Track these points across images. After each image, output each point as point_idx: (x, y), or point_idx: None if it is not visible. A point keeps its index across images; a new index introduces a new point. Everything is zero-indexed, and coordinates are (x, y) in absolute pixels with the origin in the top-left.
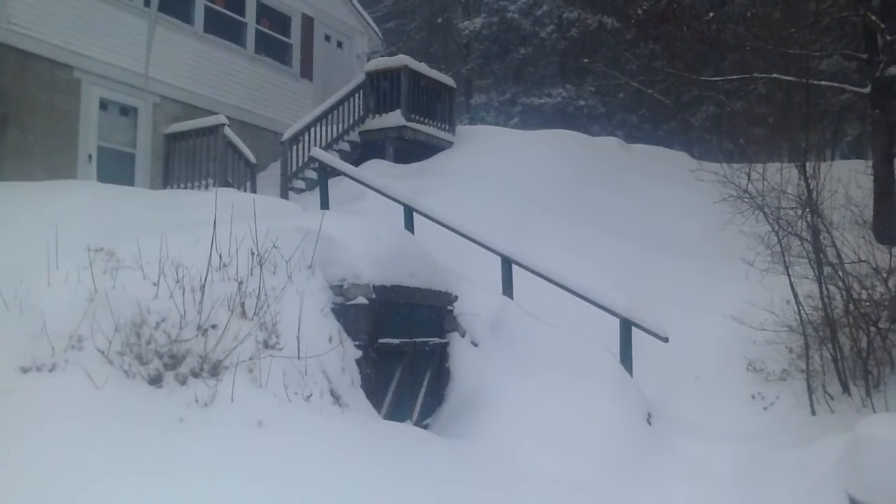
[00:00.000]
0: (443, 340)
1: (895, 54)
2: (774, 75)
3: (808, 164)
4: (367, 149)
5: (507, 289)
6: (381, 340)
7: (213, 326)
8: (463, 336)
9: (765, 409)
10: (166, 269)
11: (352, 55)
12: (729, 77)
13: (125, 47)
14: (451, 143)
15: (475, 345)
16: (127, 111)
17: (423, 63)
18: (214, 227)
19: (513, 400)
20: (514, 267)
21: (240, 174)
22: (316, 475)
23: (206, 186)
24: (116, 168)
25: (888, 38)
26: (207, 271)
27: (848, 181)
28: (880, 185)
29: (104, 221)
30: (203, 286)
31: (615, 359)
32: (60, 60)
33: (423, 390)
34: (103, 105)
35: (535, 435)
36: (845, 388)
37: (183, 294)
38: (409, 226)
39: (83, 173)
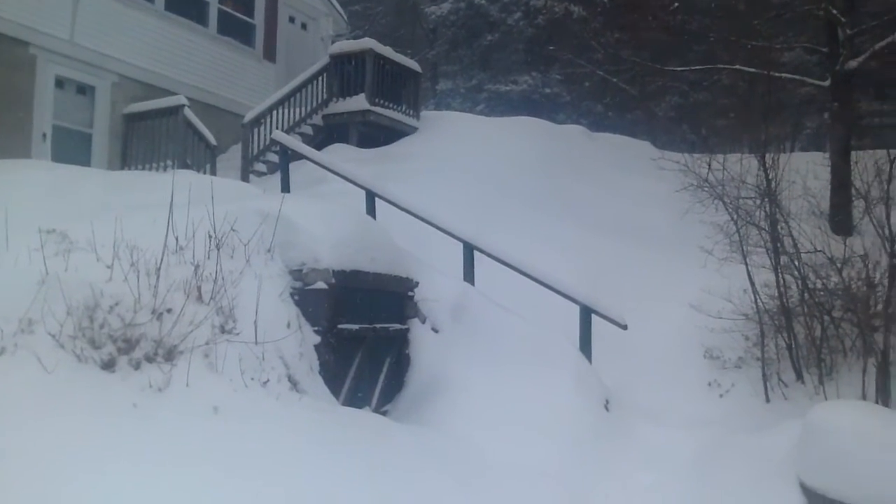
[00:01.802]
0: (403, 326)
1: (855, 48)
2: (738, 67)
3: (767, 155)
4: (330, 133)
5: (469, 275)
6: (340, 326)
7: (169, 310)
8: (424, 322)
9: (721, 396)
10: (121, 251)
11: (316, 37)
12: (693, 67)
13: (83, 24)
14: (415, 129)
15: (436, 331)
16: (84, 90)
17: (388, 47)
18: (171, 209)
19: (472, 386)
20: (477, 254)
21: (200, 156)
22: (272, 461)
23: (165, 168)
24: (72, 148)
25: (849, 32)
26: (163, 254)
27: (806, 172)
28: (837, 176)
29: (58, 202)
30: (159, 269)
31: (575, 346)
32: (15, 36)
33: (382, 377)
34: (59, 83)
35: (495, 422)
36: (799, 376)
37: (138, 277)
38: (371, 211)
39: (37, 153)
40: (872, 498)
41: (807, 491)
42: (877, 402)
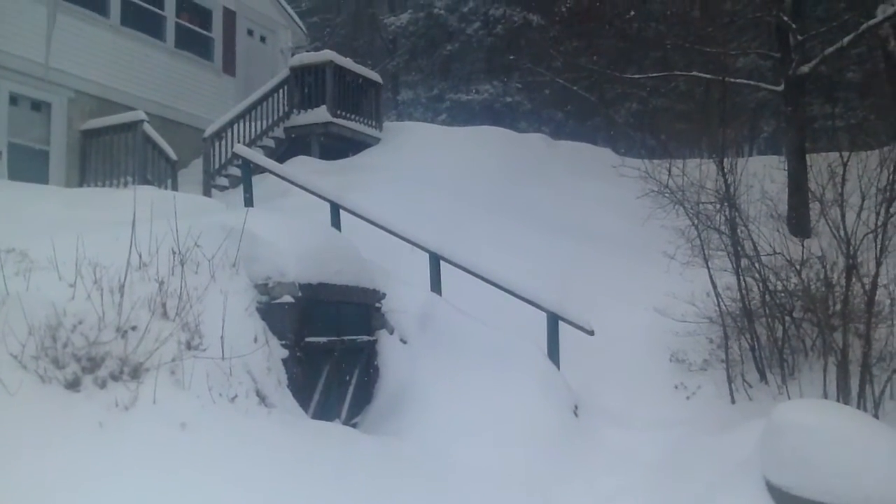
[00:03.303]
0: (371, 338)
1: (807, 54)
2: (694, 73)
3: (725, 159)
4: (292, 145)
5: (436, 285)
6: (307, 339)
7: (134, 328)
8: (391, 333)
9: (687, 398)
10: (83, 269)
11: (275, 50)
12: (651, 74)
13: (37, 40)
14: (378, 140)
15: (404, 342)
16: (39, 106)
17: (348, 58)
18: (133, 225)
19: (442, 396)
20: (443, 263)
21: (160, 171)
22: (241, 476)
23: (125, 184)
24: (29, 165)
25: (799, 38)
26: (127, 271)
27: (763, 176)
28: (794, 179)
29: (16, 221)
30: (122, 287)
31: (542, 352)
32: None
33: (351, 389)
34: (13, 100)
35: (465, 430)
36: (763, 377)
37: (101, 295)
38: (336, 223)
39: None
40: (831, 493)
41: (771, 488)
42: (837, 400)
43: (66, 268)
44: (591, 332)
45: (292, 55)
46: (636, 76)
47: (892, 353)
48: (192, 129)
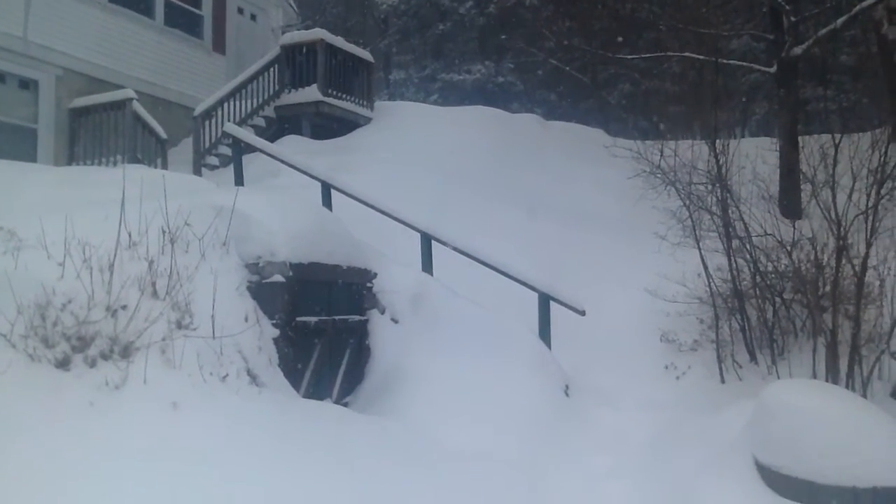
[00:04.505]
0: (362, 318)
1: (800, 36)
2: (687, 54)
3: (718, 141)
4: (283, 124)
5: (427, 265)
6: (298, 319)
7: (124, 307)
8: (383, 313)
9: (677, 378)
10: (72, 248)
11: (266, 28)
12: (643, 55)
13: (24, 17)
14: (369, 119)
15: (395, 322)
16: (27, 84)
17: (339, 37)
18: (123, 204)
19: (433, 376)
20: (434, 244)
21: (150, 150)
22: (233, 455)
23: (115, 163)
24: (17, 144)
25: (793, 19)
26: (116, 250)
27: (755, 158)
28: (785, 161)
29: (3, 200)
30: (112, 266)
31: (534, 333)
32: None
33: (342, 368)
34: (1, 77)
35: (457, 410)
36: (752, 357)
37: (91, 274)
38: (327, 203)
39: None
40: (820, 472)
41: (760, 468)
42: (826, 380)
43: (55, 247)
44: (583, 313)
45: (283, 33)
46: (629, 57)
47: (880, 334)
48: (182, 107)
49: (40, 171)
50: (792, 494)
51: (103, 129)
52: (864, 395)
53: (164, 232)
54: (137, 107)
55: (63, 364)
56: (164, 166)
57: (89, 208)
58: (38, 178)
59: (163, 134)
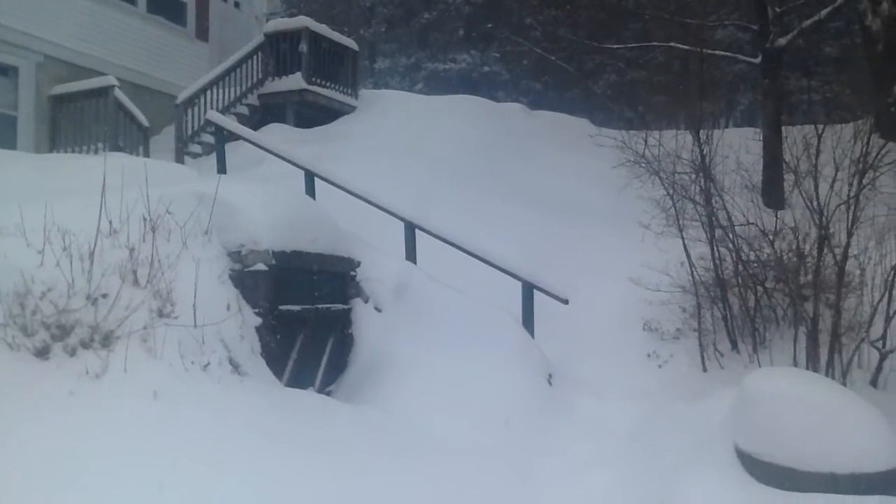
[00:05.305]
0: (346, 306)
1: (785, 26)
2: (672, 44)
3: (702, 131)
4: (266, 113)
5: (411, 254)
6: (281, 307)
7: (104, 295)
8: (366, 302)
9: (660, 366)
10: (52, 236)
11: (250, 16)
12: (629, 45)
13: (3, 2)
14: (354, 108)
15: (379, 310)
16: (6, 71)
17: (324, 25)
18: (104, 191)
19: (417, 364)
20: (419, 233)
21: (132, 138)
22: (215, 444)
23: (96, 151)
24: None
25: (778, 10)
26: (97, 238)
27: (739, 147)
28: (769, 151)
29: None
30: (92, 254)
31: (518, 322)
32: None
33: (325, 357)
34: None
35: (441, 399)
36: (734, 346)
37: (70, 262)
38: (311, 191)
39: None
40: (799, 459)
41: (741, 455)
42: (807, 369)
43: (34, 234)
44: (566, 301)
45: (267, 21)
46: (615, 46)
47: (860, 323)
48: (164, 95)
49: (20, 159)
50: (772, 481)
51: (84, 117)
52: (844, 383)
53: (145, 220)
54: (119, 94)
55: (42, 353)
56: (146, 154)
57: (70, 196)
58: (18, 165)
59: (145, 122)
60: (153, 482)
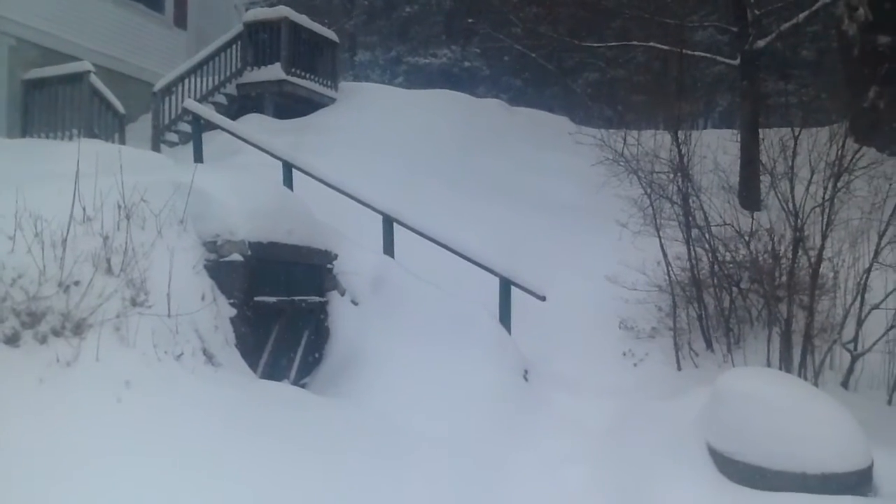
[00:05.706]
0: (322, 299)
1: (763, 29)
2: (652, 44)
3: (680, 131)
4: (245, 103)
5: (389, 248)
6: (256, 298)
7: (76, 283)
8: (343, 295)
9: (635, 365)
10: (24, 222)
11: (229, 5)
12: (609, 44)
13: None
14: (333, 100)
15: (355, 304)
16: None
17: (304, 15)
18: (77, 178)
19: (393, 358)
20: (397, 227)
21: (107, 126)
22: (186, 435)
23: (71, 137)
24: None
25: (757, 12)
26: (70, 225)
27: (717, 148)
28: (746, 153)
29: None
30: (65, 241)
31: (494, 317)
32: None
33: (301, 349)
34: None
35: (413, 393)
36: (709, 345)
37: (42, 249)
38: (289, 183)
39: None
40: (769, 458)
41: (713, 453)
42: (780, 369)
43: (4, 220)
44: (543, 298)
45: (246, 10)
46: (595, 45)
47: (833, 325)
48: (141, 82)
49: None
50: (743, 479)
51: (59, 103)
52: (816, 384)
53: (120, 208)
54: (95, 80)
55: (12, 340)
56: (122, 142)
57: (42, 182)
58: None
59: (121, 109)
60: (124, 472)
